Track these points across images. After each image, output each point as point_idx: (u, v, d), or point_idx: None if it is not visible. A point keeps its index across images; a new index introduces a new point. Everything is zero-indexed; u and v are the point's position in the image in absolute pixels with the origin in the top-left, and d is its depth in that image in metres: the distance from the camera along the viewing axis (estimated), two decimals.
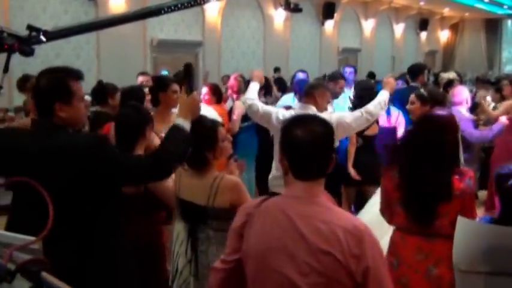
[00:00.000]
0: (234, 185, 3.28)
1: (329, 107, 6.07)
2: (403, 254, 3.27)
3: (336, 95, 6.88)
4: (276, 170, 4.93)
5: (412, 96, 5.45)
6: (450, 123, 3.37)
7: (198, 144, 3.21)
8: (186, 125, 2.92)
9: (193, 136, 3.02)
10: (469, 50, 28.94)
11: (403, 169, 3.27)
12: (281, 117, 4.75)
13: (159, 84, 4.81)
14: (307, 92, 5.05)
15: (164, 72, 12.06)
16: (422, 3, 23.35)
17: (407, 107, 5.51)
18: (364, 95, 6.08)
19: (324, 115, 4.69)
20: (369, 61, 21.98)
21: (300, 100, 5.12)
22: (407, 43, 25.58)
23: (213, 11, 15.11)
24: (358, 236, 2.08)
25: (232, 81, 7.50)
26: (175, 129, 2.89)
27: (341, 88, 7.27)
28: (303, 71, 8.92)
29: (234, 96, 7.31)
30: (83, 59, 12.15)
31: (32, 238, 1.65)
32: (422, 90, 5.73)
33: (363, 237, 2.09)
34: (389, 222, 3.42)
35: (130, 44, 12.80)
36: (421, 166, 3.21)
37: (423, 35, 26.87)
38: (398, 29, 24.96)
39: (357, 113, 4.94)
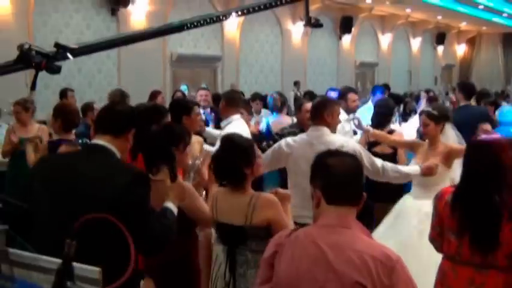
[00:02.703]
0: (271, 202, 3.28)
1: (346, 124, 6.00)
2: (454, 285, 3.16)
3: (350, 111, 6.77)
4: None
5: (424, 118, 5.12)
6: (506, 146, 3.19)
7: (237, 160, 3.24)
8: (175, 210, 2.91)
9: (230, 153, 3.06)
10: (486, 64, 28.85)
11: (459, 195, 3.16)
12: (291, 142, 4.55)
13: (182, 107, 4.82)
14: (315, 114, 4.66)
15: (183, 87, 12.16)
16: (439, 17, 23.35)
17: (423, 129, 5.19)
18: (382, 114, 6.04)
19: (342, 139, 4.59)
20: (386, 75, 21.98)
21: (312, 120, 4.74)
22: (424, 57, 25.56)
23: (232, 26, 15.24)
24: (390, 266, 2.07)
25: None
26: (168, 212, 2.87)
27: (354, 102, 7.11)
28: (333, 89, 8.82)
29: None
30: (104, 73, 12.31)
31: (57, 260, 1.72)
32: (430, 109, 5.46)
33: (395, 268, 2.08)
34: (440, 250, 3.31)
35: (150, 58, 12.92)
36: (478, 191, 3.08)
37: (440, 49, 26.85)
38: (415, 43, 24.97)
39: (377, 161, 4.64)
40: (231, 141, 3.45)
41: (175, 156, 3.28)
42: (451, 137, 5.31)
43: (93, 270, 1.76)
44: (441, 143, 5.07)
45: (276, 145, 4.74)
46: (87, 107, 7.65)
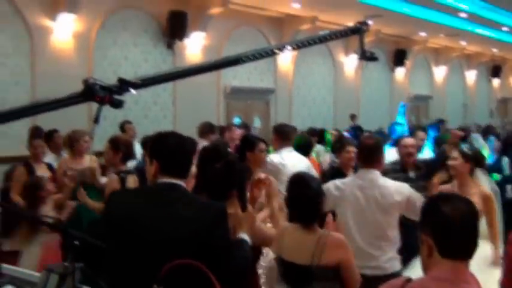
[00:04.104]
0: (342, 242, 3.22)
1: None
2: None
3: (417, 148, 6.68)
4: None
5: (455, 152, 4.99)
6: None
7: (315, 198, 3.25)
8: (249, 240, 2.89)
9: (305, 191, 3.10)
10: None
11: None
12: (340, 184, 4.38)
13: (246, 143, 4.85)
14: (370, 156, 4.38)
15: (236, 120, 12.33)
16: (494, 50, 23.00)
17: (449, 162, 5.00)
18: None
19: (396, 184, 4.37)
20: (441, 108, 21.69)
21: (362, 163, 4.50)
22: (479, 90, 25.13)
23: (285, 59, 15.37)
24: None
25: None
26: (245, 243, 2.86)
27: (422, 140, 7.05)
28: (399, 123, 8.81)
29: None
30: (160, 105, 12.57)
31: None
32: (465, 147, 5.28)
33: None
34: None
35: (204, 90, 13.15)
36: None
37: (495, 81, 26.35)
38: (470, 75, 24.59)
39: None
40: (304, 181, 3.43)
41: (245, 186, 3.26)
42: (483, 183, 5.10)
43: None
44: (474, 183, 4.86)
45: (324, 186, 4.51)
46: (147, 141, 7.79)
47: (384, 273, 4.04)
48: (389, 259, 4.26)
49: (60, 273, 2.44)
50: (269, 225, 3.83)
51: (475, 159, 5.00)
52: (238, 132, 8.37)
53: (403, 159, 5.78)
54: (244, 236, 2.88)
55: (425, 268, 2.15)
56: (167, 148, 2.78)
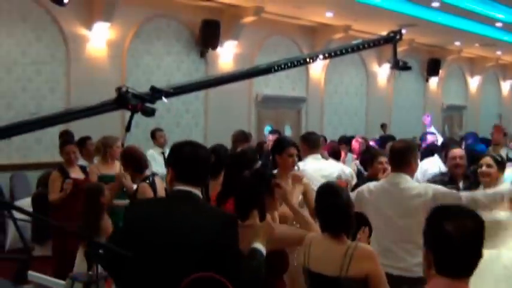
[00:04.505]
0: (371, 254, 3.19)
1: None
2: None
3: None
4: None
5: (489, 159, 4.97)
6: None
7: (343, 207, 3.25)
8: (264, 250, 2.90)
9: (334, 201, 3.14)
10: None
11: None
12: (372, 188, 4.42)
13: (276, 147, 4.88)
14: (400, 158, 4.36)
15: (268, 128, 12.33)
16: None
17: (483, 169, 4.99)
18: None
19: (420, 187, 4.37)
20: (475, 118, 21.41)
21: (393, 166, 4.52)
22: None
23: (317, 68, 15.36)
24: None
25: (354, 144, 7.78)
26: (258, 253, 2.87)
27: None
28: (431, 133, 8.84)
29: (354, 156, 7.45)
30: (191, 113, 12.65)
31: None
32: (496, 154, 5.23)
33: None
34: None
35: (236, 99, 13.20)
36: None
37: None
38: (506, 86, 24.23)
39: (460, 195, 4.37)
40: (333, 190, 3.41)
41: (264, 200, 3.27)
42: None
43: None
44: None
45: (359, 188, 4.64)
46: None
47: (410, 276, 4.00)
48: (419, 263, 4.21)
49: (84, 282, 2.47)
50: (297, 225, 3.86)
51: (502, 165, 5.02)
52: (271, 138, 8.42)
53: (451, 170, 5.82)
54: (258, 245, 2.90)
55: (426, 279, 2.17)
56: (181, 157, 2.87)
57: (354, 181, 6.16)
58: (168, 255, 2.57)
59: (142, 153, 5.77)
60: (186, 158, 2.85)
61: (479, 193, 4.47)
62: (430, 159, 7.53)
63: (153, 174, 5.61)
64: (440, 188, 4.44)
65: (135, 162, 5.55)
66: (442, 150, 7.11)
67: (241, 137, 8.14)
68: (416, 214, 4.14)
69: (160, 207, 2.87)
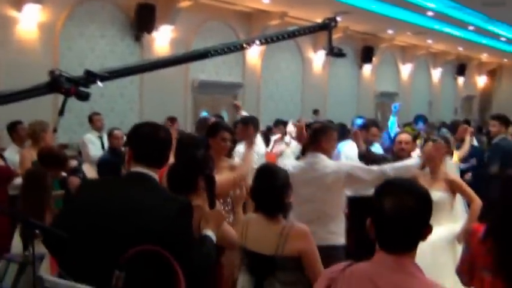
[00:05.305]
0: (304, 234, 3.25)
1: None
2: None
3: (369, 143, 6.92)
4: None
5: (439, 143, 5.21)
6: None
7: (279, 189, 3.29)
8: (214, 238, 2.88)
9: (271, 183, 3.18)
10: (506, 96, 28.61)
11: (495, 232, 3.00)
12: (291, 169, 4.46)
13: (210, 130, 4.89)
14: (313, 139, 4.78)
15: (204, 113, 12.28)
16: (460, 48, 23.35)
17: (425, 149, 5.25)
18: None
19: (334, 165, 4.69)
20: (406, 105, 21.92)
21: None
22: (444, 88, 25.52)
23: (253, 54, 15.38)
24: None
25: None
26: (208, 240, 2.85)
27: (375, 136, 7.34)
28: (361, 117, 9.08)
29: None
30: (126, 98, 12.46)
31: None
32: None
33: None
34: (468, 285, 3.19)
35: (172, 84, 13.08)
36: None
37: (460, 80, 26.78)
38: (436, 73, 24.96)
39: (373, 167, 4.67)
40: (271, 172, 3.46)
41: (215, 181, 3.16)
42: (449, 169, 5.54)
43: None
44: (442, 172, 5.20)
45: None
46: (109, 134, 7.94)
47: (321, 244, 4.03)
48: (331, 231, 4.61)
49: (19, 263, 2.41)
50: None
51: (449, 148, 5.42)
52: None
53: (397, 153, 6.00)
54: (209, 232, 2.88)
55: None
56: (139, 136, 2.81)
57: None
58: (115, 236, 2.51)
59: (51, 148, 5.69)
60: (144, 138, 2.79)
61: (388, 166, 4.74)
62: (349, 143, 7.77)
63: (80, 165, 5.47)
64: (355, 164, 4.96)
65: (54, 161, 5.31)
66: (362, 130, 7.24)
67: (202, 124, 8.21)
68: (332, 188, 4.61)
69: (110, 189, 2.77)
